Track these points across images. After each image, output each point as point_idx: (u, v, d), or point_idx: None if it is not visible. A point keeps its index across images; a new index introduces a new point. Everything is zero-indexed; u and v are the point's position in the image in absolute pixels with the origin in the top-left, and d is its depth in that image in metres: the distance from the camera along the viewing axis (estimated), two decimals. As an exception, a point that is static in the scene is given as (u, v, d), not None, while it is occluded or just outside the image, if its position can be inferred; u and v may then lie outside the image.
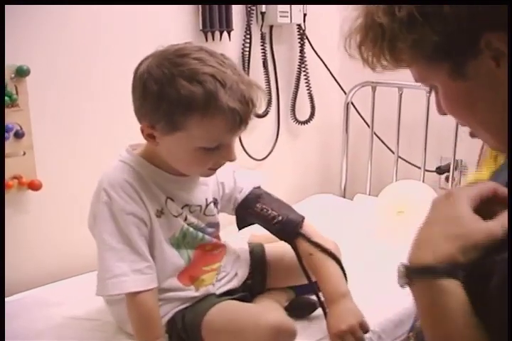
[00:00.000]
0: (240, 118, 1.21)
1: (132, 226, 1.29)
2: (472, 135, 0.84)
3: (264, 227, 1.45)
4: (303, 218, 1.46)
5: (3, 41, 1.61)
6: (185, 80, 1.17)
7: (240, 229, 1.51)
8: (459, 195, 0.73)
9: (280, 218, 1.41)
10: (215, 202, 1.47)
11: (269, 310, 1.39)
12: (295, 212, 1.46)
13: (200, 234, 1.43)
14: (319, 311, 1.46)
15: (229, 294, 1.48)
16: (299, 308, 1.53)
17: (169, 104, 1.19)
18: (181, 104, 1.18)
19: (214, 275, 1.48)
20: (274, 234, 1.45)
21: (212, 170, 1.34)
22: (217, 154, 1.28)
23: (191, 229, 1.41)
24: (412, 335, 0.92)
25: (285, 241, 1.45)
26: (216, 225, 1.49)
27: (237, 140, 2.25)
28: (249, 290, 1.54)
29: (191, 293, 1.43)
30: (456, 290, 0.70)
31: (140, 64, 1.26)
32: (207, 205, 1.44)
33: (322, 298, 1.43)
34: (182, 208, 1.39)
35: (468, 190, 0.74)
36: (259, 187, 1.50)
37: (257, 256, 1.60)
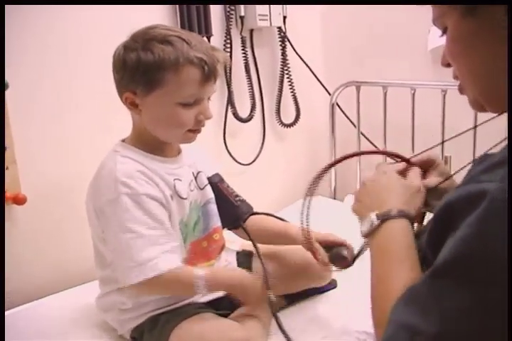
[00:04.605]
0: (208, 68, 1.33)
1: (159, 209, 1.36)
2: (460, 90, 0.88)
3: (222, 203, 1.56)
4: None
5: (3, 41, 1.60)
6: (157, 42, 1.31)
7: None
8: (390, 171, 1.11)
9: (241, 198, 1.61)
10: (200, 172, 1.56)
11: (238, 326, 1.39)
12: None
13: (196, 216, 1.49)
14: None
15: (214, 304, 1.49)
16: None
17: (145, 66, 1.31)
18: (156, 63, 1.31)
19: None
20: (229, 211, 1.58)
21: (192, 133, 1.42)
22: (194, 111, 1.37)
23: (188, 213, 1.46)
24: None
25: (238, 218, 1.59)
26: (214, 201, 1.57)
27: (222, 145, 2.28)
28: (236, 301, 1.53)
29: None
30: (408, 227, 0.98)
31: (118, 46, 1.39)
32: (196, 177, 1.53)
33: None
34: (187, 187, 1.47)
35: (391, 167, 1.14)
36: None
37: (243, 267, 1.61)
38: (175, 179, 1.44)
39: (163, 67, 1.31)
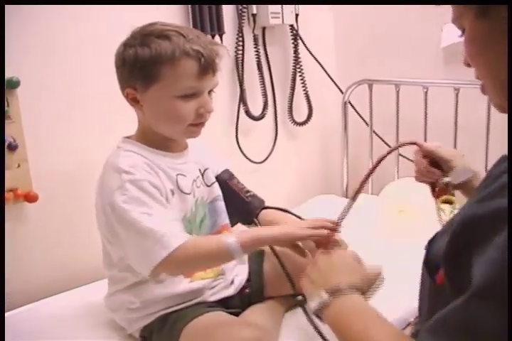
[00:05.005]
0: (205, 60, 1.32)
1: (158, 194, 1.34)
2: (482, 90, 0.87)
3: (232, 200, 1.54)
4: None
5: (3, 41, 1.60)
6: (154, 37, 1.32)
7: None
8: (348, 253, 1.16)
9: (252, 193, 1.57)
10: (208, 168, 1.54)
11: (247, 324, 1.38)
12: None
13: (202, 213, 1.47)
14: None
15: (224, 303, 1.47)
16: None
17: (142, 61, 1.32)
18: (152, 57, 1.31)
19: (217, 270, 1.49)
20: (240, 207, 1.54)
21: (195, 127, 1.39)
22: (194, 105, 1.36)
23: (193, 210, 1.45)
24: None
25: (250, 213, 1.54)
26: (221, 198, 1.55)
27: (234, 143, 2.28)
28: (247, 299, 1.54)
29: (183, 285, 1.42)
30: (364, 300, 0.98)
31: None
32: (203, 174, 1.52)
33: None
34: (192, 184, 1.46)
35: (350, 252, 1.17)
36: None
37: (255, 265, 1.60)
38: (178, 174, 1.42)
39: (159, 61, 1.31)
